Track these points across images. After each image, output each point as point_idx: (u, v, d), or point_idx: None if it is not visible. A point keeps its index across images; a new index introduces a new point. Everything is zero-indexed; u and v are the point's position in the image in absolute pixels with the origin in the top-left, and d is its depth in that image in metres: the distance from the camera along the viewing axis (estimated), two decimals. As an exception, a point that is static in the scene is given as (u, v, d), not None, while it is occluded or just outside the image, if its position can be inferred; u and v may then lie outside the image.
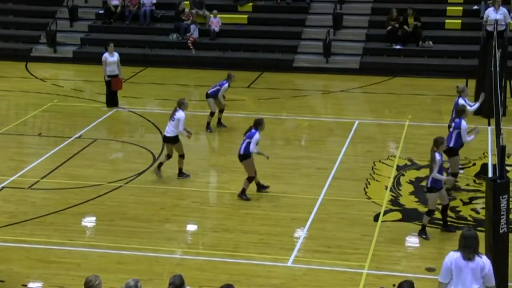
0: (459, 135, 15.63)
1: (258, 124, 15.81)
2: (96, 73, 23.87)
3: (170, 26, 28.49)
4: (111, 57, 21.61)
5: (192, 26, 27.75)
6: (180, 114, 16.63)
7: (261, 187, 16.16)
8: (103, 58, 21.66)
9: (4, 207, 15.47)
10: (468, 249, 9.31)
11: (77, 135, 19.75)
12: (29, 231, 14.41)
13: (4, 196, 16.07)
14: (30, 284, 12.50)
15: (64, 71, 27.21)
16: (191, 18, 27.96)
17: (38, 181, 16.76)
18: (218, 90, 19.97)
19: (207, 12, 28.41)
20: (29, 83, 25.14)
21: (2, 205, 15.61)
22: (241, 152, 15.62)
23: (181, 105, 16.82)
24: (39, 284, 12.58)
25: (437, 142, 13.84)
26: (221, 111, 20.28)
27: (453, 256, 9.43)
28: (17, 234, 14.28)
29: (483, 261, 9.36)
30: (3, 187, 16.49)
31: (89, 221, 15.06)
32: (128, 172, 17.21)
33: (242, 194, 15.78)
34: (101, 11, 29.68)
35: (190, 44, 27.54)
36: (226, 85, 20.00)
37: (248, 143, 15.54)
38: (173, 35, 28.12)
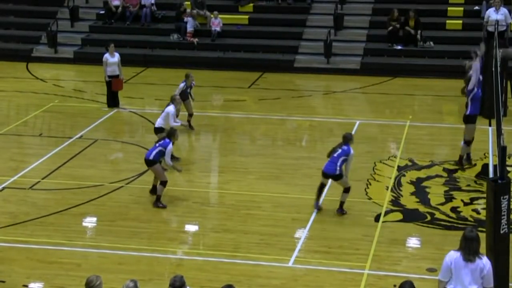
0: (473, 103, 16.76)
1: (171, 135, 15.57)
2: (97, 74, 23.88)
3: (171, 27, 28.49)
4: (112, 58, 21.61)
5: (189, 19, 27.74)
6: (169, 108, 17.51)
7: (153, 190, 15.99)
8: (103, 59, 21.67)
9: (5, 208, 15.47)
10: (469, 251, 9.31)
11: (78, 136, 19.75)
12: (30, 232, 14.41)
13: (5, 197, 16.07)
14: (31, 285, 12.51)
15: (65, 72, 27.20)
16: (187, 11, 27.96)
17: (39, 181, 16.77)
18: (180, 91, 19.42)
19: (208, 13, 28.42)
20: (30, 84, 25.14)
21: (3, 205, 15.61)
22: (150, 157, 15.26)
23: (173, 100, 17.71)
24: (40, 285, 12.58)
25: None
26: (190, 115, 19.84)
27: (454, 256, 9.43)
28: (18, 235, 14.29)
29: (483, 263, 9.35)
30: (4, 188, 16.49)
31: (89, 222, 15.07)
32: (129, 172, 17.21)
33: (158, 202, 15.39)
34: (102, 12, 29.70)
35: (190, 39, 27.62)
36: (182, 85, 19.57)
37: (160, 151, 15.21)
38: (173, 36, 28.12)
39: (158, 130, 17.46)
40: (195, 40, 27.69)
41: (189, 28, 27.78)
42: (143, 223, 14.76)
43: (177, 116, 17.88)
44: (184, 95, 19.50)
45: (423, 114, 21.49)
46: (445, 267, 9.49)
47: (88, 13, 29.96)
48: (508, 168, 16.64)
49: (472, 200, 15.73)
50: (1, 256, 13.46)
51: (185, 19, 27.89)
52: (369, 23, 28.12)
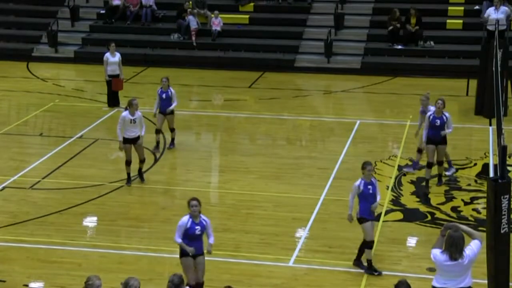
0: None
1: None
2: (97, 73, 23.89)
3: (171, 26, 28.51)
4: (113, 57, 21.59)
5: (191, 18, 27.75)
6: (121, 114, 16.41)
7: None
8: (104, 58, 21.65)
9: (6, 207, 15.48)
10: (455, 249, 9.44)
11: (78, 135, 19.76)
12: (30, 231, 14.41)
13: (6, 196, 16.07)
14: (31, 284, 12.51)
15: (65, 71, 27.21)
16: (188, 10, 27.97)
17: (39, 181, 16.77)
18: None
19: (208, 12, 28.43)
20: (30, 83, 25.14)
21: (3, 205, 15.61)
22: None
23: (129, 105, 16.38)
24: (40, 284, 12.59)
25: None
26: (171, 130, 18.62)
27: (439, 257, 9.55)
28: (19, 234, 14.29)
29: (466, 255, 9.51)
30: (4, 187, 16.49)
31: (90, 221, 15.07)
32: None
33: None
34: (102, 11, 29.70)
35: (193, 36, 27.69)
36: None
37: None
38: (174, 35, 28.14)
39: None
40: (194, 38, 27.75)
41: (194, 25, 27.76)
42: (143, 223, 14.77)
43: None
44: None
45: (423, 114, 21.44)
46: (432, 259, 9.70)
47: (88, 13, 29.98)
48: (509, 168, 16.67)
49: (473, 199, 15.73)
50: (2, 255, 13.46)
51: (186, 18, 27.87)
52: (369, 22, 28.13)
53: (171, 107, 18.28)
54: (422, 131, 16.34)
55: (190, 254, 11.26)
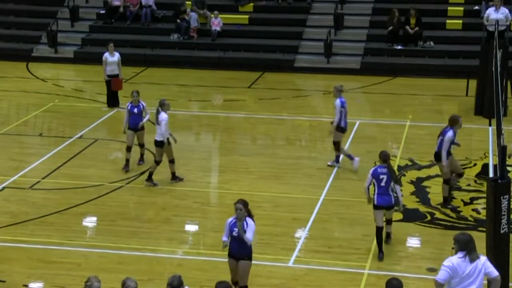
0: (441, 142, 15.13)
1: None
2: (97, 73, 23.87)
3: (171, 26, 28.51)
4: (112, 57, 21.58)
5: (192, 15, 27.78)
6: (163, 116, 15.99)
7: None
8: (103, 58, 21.64)
9: (5, 207, 15.48)
10: (470, 250, 9.31)
11: (78, 135, 19.76)
12: (30, 231, 14.42)
13: (5, 196, 16.07)
14: (31, 284, 12.51)
15: (65, 71, 27.21)
16: (188, 10, 28.02)
17: (39, 181, 16.77)
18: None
19: (208, 13, 28.44)
20: (30, 83, 25.14)
21: (3, 205, 15.62)
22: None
23: (162, 105, 16.12)
24: (40, 284, 12.59)
25: None
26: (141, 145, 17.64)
27: (456, 261, 9.34)
28: (18, 234, 14.29)
29: (482, 262, 9.37)
30: (4, 187, 16.49)
31: (90, 221, 15.07)
32: (129, 172, 17.20)
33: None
34: (102, 11, 29.71)
35: (193, 34, 27.70)
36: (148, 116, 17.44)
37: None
38: (174, 35, 28.14)
39: (157, 143, 16.16)
40: (195, 35, 27.78)
41: (194, 23, 27.80)
42: (143, 223, 14.77)
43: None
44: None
45: (423, 114, 21.49)
46: (449, 272, 9.36)
47: (88, 13, 29.97)
48: (508, 168, 16.68)
49: (472, 200, 15.73)
50: (2, 255, 13.46)
51: (187, 17, 27.90)
52: (369, 22, 28.14)
53: (143, 121, 17.17)
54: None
55: (221, 248, 11.40)
